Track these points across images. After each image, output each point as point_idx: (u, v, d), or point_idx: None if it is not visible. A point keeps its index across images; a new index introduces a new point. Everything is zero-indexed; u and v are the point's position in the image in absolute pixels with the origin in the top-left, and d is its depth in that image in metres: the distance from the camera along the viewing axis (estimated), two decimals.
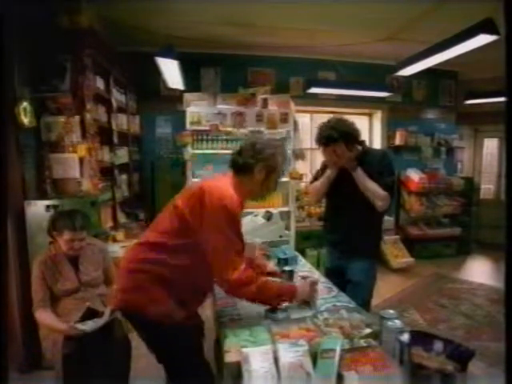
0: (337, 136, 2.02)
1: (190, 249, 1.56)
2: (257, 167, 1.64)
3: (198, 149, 4.20)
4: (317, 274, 2.31)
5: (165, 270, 1.54)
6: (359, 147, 2.19)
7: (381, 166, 2.12)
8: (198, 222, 1.53)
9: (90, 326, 1.96)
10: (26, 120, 2.62)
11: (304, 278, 2.02)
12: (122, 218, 3.95)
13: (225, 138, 4.26)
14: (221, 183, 1.63)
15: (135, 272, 1.58)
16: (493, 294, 4.19)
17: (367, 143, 2.37)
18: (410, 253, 5.33)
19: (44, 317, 2.09)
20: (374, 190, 2.04)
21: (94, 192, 3.01)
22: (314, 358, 1.15)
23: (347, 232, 2.23)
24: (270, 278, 1.81)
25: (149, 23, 3.96)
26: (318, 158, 5.88)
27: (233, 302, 1.87)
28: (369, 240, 2.22)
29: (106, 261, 2.38)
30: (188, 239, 1.55)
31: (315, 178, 2.38)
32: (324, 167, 2.33)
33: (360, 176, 2.07)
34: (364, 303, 1.90)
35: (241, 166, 1.67)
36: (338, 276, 2.26)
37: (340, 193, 2.25)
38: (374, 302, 2.32)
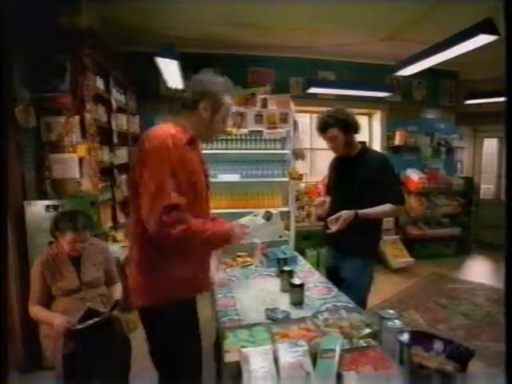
0: (331, 122, 2.14)
1: None
2: (201, 104, 1.57)
3: None
4: (316, 274, 2.31)
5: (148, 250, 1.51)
6: (359, 144, 2.26)
7: (384, 173, 2.14)
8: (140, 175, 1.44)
9: (86, 323, 1.96)
10: (25, 120, 2.62)
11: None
12: (121, 218, 3.95)
13: (224, 138, 4.27)
14: (162, 125, 1.55)
15: (130, 260, 1.61)
16: (492, 293, 4.19)
17: (367, 143, 2.39)
18: (410, 253, 5.33)
19: (37, 312, 2.10)
20: (384, 212, 2.15)
21: (94, 192, 3.01)
22: (314, 358, 1.15)
23: (343, 230, 2.20)
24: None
25: (149, 23, 3.96)
26: (318, 157, 5.89)
27: (233, 302, 1.87)
28: (365, 239, 2.20)
29: (107, 261, 2.38)
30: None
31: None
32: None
33: (364, 215, 2.09)
34: (358, 302, 1.87)
35: (186, 102, 1.60)
36: (335, 275, 2.29)
37: (338, 191, 2.33)
38: (374, 301, 2.33)
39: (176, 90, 4.39)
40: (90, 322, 1.96)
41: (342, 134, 2.14)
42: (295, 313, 1.69)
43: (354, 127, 2.17)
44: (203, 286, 1.70)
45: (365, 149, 2.26)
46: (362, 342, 1.33)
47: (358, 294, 2.07)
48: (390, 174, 2.17)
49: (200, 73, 1.67)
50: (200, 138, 1.69)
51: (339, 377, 1.08)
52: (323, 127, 2.17)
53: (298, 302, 1.81)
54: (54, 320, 2.03)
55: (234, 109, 4.26)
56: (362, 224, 2.11)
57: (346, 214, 2.06)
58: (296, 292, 1.83)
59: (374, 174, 2.11)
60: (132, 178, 1.51)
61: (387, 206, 2.10)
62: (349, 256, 2.23)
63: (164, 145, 1.41)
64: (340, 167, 2.36)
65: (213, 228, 1.50)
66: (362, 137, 2.29)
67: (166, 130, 1.49)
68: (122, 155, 4.04)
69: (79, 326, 1.93)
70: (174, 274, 1.51)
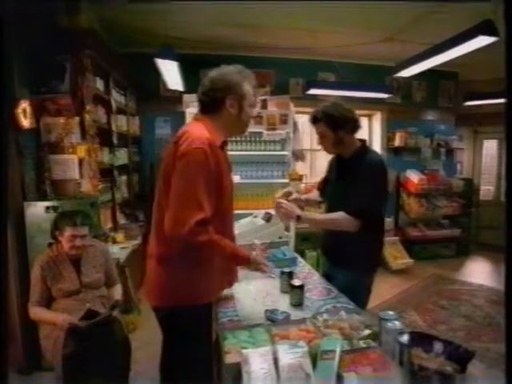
0: (319, 116, 2.00)
1: None
2: (228, 100, 1.53)
3: None
4: (316, 275, 2.30)
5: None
6: (358, 143, 2.05)
7: (365, 176, 1.91)
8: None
9: (86, 322, 1.97)
10: (25, 121, 2.62)
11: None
12: (121, 219, 3.95)
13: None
14: (195, 128, 1.51)
15: (151, 258, 1.60)
16: (492, 295, 4.19)
17: (367, 143, 2.26)
18: (410, 254, 5.33)
19: (38, 312, 2.12)
20: (333, 221, 1.96)
21: (94, 193, 3.01)
22: (314, 359, 1.15)
23: (333, 240, 2.15)
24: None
25: (148, 24, 3.96)
26: (318, 159, 5.89)
27: (232, 303, 1.87)
28: (356, 251, 1.96)
29: (107, 262, 2.39)
30: None
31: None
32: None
33: (307, 220, 1.98)
34: None
35: (210, 104, 1.56)
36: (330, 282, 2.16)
37: (329, 192, 2.22)
38: (374, 303, 2.31)
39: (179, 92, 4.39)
40: (91, 321, 1.96)
41: (329, 130, 1.97)
42: (295, 314, 1.68)
43: (344, 125, 1.95)
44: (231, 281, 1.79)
45: (362, 150, 2.03)
46: (361, 344, 1.33)
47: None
48: (368, 180, 1.89)
49: (210, 70, 1.62)
50: (232, 134, 1.71)
51: (339, 378, 1.08)
52: (312, 121, 2.06)
53: (297, 303, 1.81)
54: (55, 319, 2.03)
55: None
56: (352, 234, 1.91)
57: (289, 208, 1.93)
58: (296, 293, 1.82)
59: (355, 184, 1.91)
60: (164, 176, 1.48)
61: (338, 214, 1.90)
62: (340, 267, 2.09)
63: (203, 151, 1.38)
64: (335, 167, 2.18)
65: (232, 247, 1.56)
66: (361, 136, 2.15)
67: (204, 133, 1.46)
68: (121, 156, 4.04)
69: (80, 325, 1.94)
70: (201, 274, 1.53)
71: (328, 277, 2.21)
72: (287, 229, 4.25)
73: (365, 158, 1.99)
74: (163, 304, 1.57)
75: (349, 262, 2.01)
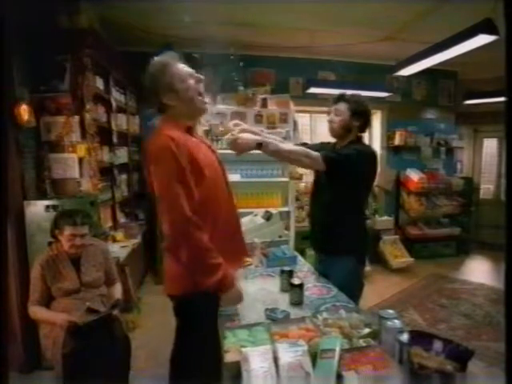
0: (347, 98, 2.09)
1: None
2: (163, 98, 1.55)
3: None
4: (316, 274, 2.30)
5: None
6: (359, 133, 2.13)
7: (350, 151, 1.97)
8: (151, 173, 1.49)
9: (86, 320, 1.97)
10: (25, 120, 2.62)
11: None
12: (121, 217, 3.95)
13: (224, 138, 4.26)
14: (157, 128, 1.58)
15: (166, 252, 1.61)
16: (492, 294, 4.19)
17: (366, 143, 2.30)
18: (410, 253, 5.33)
19: (38, 312, 2.12)
20: (296, 150, 1.92)
21: (94, 192, 3.01)
22: (314, 358, 1.15)
23: (319, 230, 2.23)
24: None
25: (148, 23, 3.96)
26: None
27: None
28: (346, 236, 2.04)
29: (107, 261, 2.39)
30: None
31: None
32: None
33: (269, 148, 1.82)
34: None
35: (157, 106, 1.60)
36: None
37: (317, 190, 2.25)
38: (374, 301, 2.31)
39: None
40: (91, 319, 1.96)
41: (348, 114, 2.06)
42: (295, 313, 1.68)
43: (361, 117, 2.07)
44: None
45: (356, 141, 2.11)
46: (361, 342, 1.33)
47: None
48: (347, 149, 2.00)
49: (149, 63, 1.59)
50: (193, 118, 1.67)
51: (339, 377, 1.08)
52: (338, 98, 2.12)
53: (297, 302, 1.81)
54: (55, 318, 2.03)
55: (234, 109, 4.26)
56: (341, 219, 2.03)
57: (245, 136, 1.80)
58: (295, 292, 1.82)
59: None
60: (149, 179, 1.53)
61: (303, 149, 1.94)
62: (331, 256, 2.14)
63: (164, 148, 1.42)
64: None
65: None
66: (368, 122, 2.18)
67: (163, 131, 1.50)
68: (121, 155, 4.04)
69: (80, 323, 1.94)
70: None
71: (320, 271, 2.26)
72: (287, 228, 4.26)
73: (354, 144, 2.07)
74: (173, 292, 1.61)
75: (336, 250, 2.08)
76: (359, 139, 2.15)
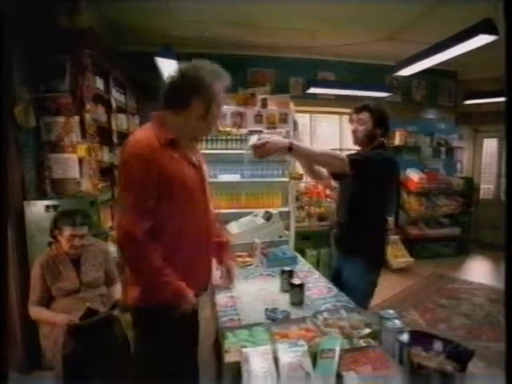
0: (370, 107, 2.12)
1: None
2: (194, 100, 1.42)
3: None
4: (317, 274, 2.31)
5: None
6: (381, 138, 2.17)
7: (374, 156, 2.03)
8: None
9: (86, 320, 1.97)
10: (25, 120, 2.62)
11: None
12: None
13: (224, 138, 4.26)
14: (142, 129, 1.47)
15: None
16: (492, 293, 4.19)
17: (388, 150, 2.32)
18: (410, 253, 5.33)
19: (38, 312, 2.12)
20: (325, 152, 1.92)
21: (94, 192, 3.01)
22: (314, 358, 1.15)
23: (342, 230, 2.27)
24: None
25: (148, 23, 3.96)
26: None
27: (232, 302, 1.87)
28: (362, 241, 2.09)
29: (107, 261, 2.39)
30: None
31: None
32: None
33: (299, 150, 1.81)
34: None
35: (175, 100, 1.46)
36: (337, 275, 2.26)
37: (342, 192, 2.30)
38: (374, 301, 2.30)
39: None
40: (91, 319, 1.96)
41: (371, 122, 2.11)
42: (295, 313, 1.68)
43: (383, 124, 2.14)
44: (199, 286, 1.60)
45: (380, 146, 2.15)
46: (361, 342, 1.33)
47: (355, 296, 1.97)
48: (372, 154, 2.04)
49: (183, 62, 1.49)
50: (194, 135, 1.59)
51: (339, 377, 1.08)
52: (361, 108, 2.15)
53: (297, 302, 1.81)
54: (55, 318, 2.04)
55: (234, 109, 4.26)
56: (359, 225, 2.10)
57: (275, 139, 1.80)
58: (296, 292, 1.82)
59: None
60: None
61: (331, 151, 1.99)
62: (347, 256, 2.19)
63: (133, 158, 1.34)
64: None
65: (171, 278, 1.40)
66: (388, 128, 2.23)
67: (140, 136, 1.40)
68: None
69: (80, 323, 1.94)
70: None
71: (335, 267, 2.30)
72: (287, 228, 4.26)
73: (378, 150, 2.11)
74: (130, 302, 1.53)
75: (354, 251, 2.13)
76: (382, 145, 2.19)
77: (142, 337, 1.54)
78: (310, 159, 1.96)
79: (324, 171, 2.30)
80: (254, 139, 1.80)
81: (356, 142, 2.24)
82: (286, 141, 1.81)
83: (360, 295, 2.00)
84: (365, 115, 2.12)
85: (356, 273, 2.11)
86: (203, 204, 1.58)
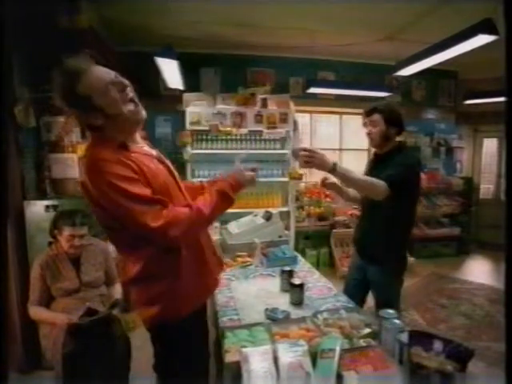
0: (380, 108, 2.14)
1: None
2: (84, 118, 1.31)
3: (197, 149, 4.20)
4: (317, 274, 2.31)
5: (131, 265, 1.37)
6: (397, 139, 2.19)
7: (397, 163, 2.03)
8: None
9: (86, 319, 1.97)
10: (25, 120, 2.62)
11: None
12: None
13: (224, 138, 4.27)
14: (87, 156, 1.30)
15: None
16: (492, 293, 4.19)
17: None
18: (410, 252, 5.29)
19: (38, 312, 2.12)
20: (363, 181, 1.93)
21: None
22: (314, 357, 1.15)
23: (363, 235, 2.27)
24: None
25: (148, 23, 3.96)
26: None
27: (232, 302, 1.87)
28: (383, 247, 2.11)
29: (107, 261, 2.39)
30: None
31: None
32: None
33: (342, 173, 1.87)
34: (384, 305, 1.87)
35: (84, 125, 1.34)
36: (359, 274, 2.27)
37: (369, 204, 2.24)
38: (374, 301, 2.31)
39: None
40: (90, 319, 1.96)
41: (383, 123, 2.12)
42: (295, 313, 1.69)
43: (396, 123, 2.15)
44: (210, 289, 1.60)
45: (399, 148, 2.18)
46: (361, 342, 1.33)
47: (383, 297, 2.10)
48: (400, 164, 2.01)
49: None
50: (129, 132, 1.39)
51: (339, 377, 1.08)
52: (370, 110, 2.17)
53: (297, 302, 1.81)
54: (55, 319, 2.04)
55: (234, 109, 4.26)
56: (381, 231, 2.10)
57: (324, 157, 1.84)
58: (296, 292, 1.82)
59: (396, 163, 2.02)
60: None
61: (369, 178, 1.96)
62: (370, 260, 2.19)
63: (97, 172, 1.22)
64: (371, 166, 2.31)
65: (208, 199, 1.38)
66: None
67: (91, 154, 1.28)
68: None
69: (79, 322, 1.94)
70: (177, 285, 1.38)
71: (357, 267, 2.30)
72: (287, 228, 4.26)
73: (402, 152, 2.15)
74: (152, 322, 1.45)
75: (375, 256, 2.14)
76: (400, 146, 2.20)
77: (172, 352, 1.45)
78: (350, 183, 1.96)
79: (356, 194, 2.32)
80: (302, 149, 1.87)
81: (372, 145, 2.25)
82: (331, 161, 1.84)
83: (386, 295, 2.10)
84: (376, 117, 2.13)
85: (378, 275, 2.14)
86: (180, 192, 1.51)
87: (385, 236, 2.09)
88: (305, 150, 1.84)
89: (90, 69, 1.28)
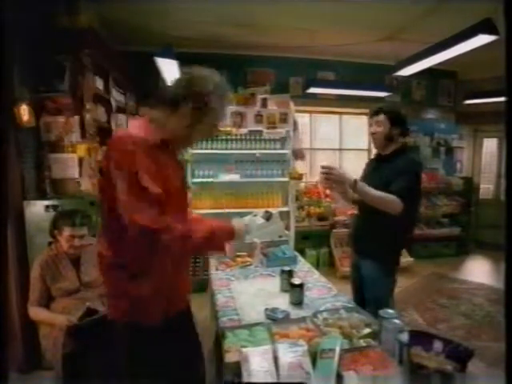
0: (385, 109, 2.19)
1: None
2: (182, 108, 1.33)
3: (197, 149, 4.20)
4: (316, 274, 2.31)
5: (114, 257, 1.36)
6: (401, 139, 2.24)
7: (402, 170, 2.08)
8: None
9: (85, 319, 1.97)
10: (25, 120, 2.62)
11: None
12: None
13: (224, 137, 4.27)
14: (129, 126, 1.39)
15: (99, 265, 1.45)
16: (492, 293, 4.19)
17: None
18: (410, 253, 5.32)
19: (38, 312, 2.13)
20: (381, 198, 1.99)
21: (94, 192, 3.00)
22: (314, 357, 1.15)
23: (358, 229, 2.32)
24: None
25: (148, 23, 3.96)
26: (318, 158, 5.89)
27: (232, 302, 1.87)
28: (377, 243, 2.13)
29: None
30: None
31: None
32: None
33: (361, 189, 1.99)
34: (375, 302, 1.95)
35: (165, 102, 1.36)
36: (356, 272, 2.31)
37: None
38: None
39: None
40: (90, 318, 1.96)
41: (388, 124, 2.16)
42: (295, 313, 1.69)
43: (400, 124, 2.19)
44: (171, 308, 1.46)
45: (402, 150, 2.23)
46: (361, 342, 1.33)
47: (374, 293, 2.12)
48: (406, 173, 2.07)
49: (192, 67, 1.40)
50: (176, 142, 1.42)
51: (339, 377, 1.08)
52: (376, 111, 2.21)
53: (297, 302, 1.81)
54: (54, 320, 2.03)
55: (234, 109, 4.26)
56: (374, 227, 2.13)
57: (343, 172, 1.97)
58: (296, 292, 1.83)
59: (394, 175, 2.06)
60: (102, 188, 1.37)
61: (387, 194, 1.99)
62: (364, 257, 2.24)
63: (123, 151, 1.25)
64: (372, 166, 2.35)
65: (208, 227, 1.37)
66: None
67: (127, 133, 1.35)
68: None
69: (79, 322, 1.94)
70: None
71: (354, 265, 2.35)
72: (287, 228, 4.26)
73: (405, 155, 2.21)
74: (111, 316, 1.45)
75: (369, 252, 2.19)
76: (404, 148, 2.27)
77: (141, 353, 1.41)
78: (367, 198, 2.01)
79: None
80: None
81: (376, 145, 2.29)
82: (352, 177, 1.96)
83: (379, 292, 2.12)
84: (381, 117, 2.17)
85: (372, 272, 2.16)
86: (183, 206, 1.53)
87: (379, 231, 2.12)
88: (324, 167, 1.95)
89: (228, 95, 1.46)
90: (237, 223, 1.53)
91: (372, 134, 2.25)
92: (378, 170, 2.21)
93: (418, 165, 2.21)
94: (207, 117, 1.36)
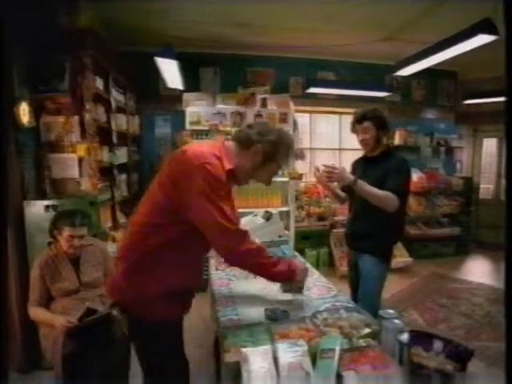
0: (369, 115, 2.26)
1: (176, 229, 1.41)
2: (255, 146, 1.50)
3: None
4: (316, 274, 2.31)
5: (146, 257, 1.43)
6: (385, 139, 2.37)
7: (395, 169, 2.18)
8: (179, 190, 1.37)
9: (85, 319, 1.97)
10: (25, 120, 2.62)
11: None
12: (121, 217, 3.95)
13: (224, 138, 4.26)
14: (206, 146, 1.49)
15: (121, 260, 1.50)
16: (492, 293, 4.19)
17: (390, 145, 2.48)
18: (409, 252, 5.32)
19: (38, 312, 2.12)
20: (379, 196, 2.09)
21: (93, 192, 3.01)
22: (314, 357, 1.15)
23: (354, 229, 2.42)
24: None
25: (148, 23, 3.96)
26: (318, 157, 5.89)
27: (232, 302, 1.87)
28: (374, 238, 2.26)
29: (107, 261, 2.39)
30: (173, 216, 1.40)
31: None
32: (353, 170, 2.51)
33: (361, 187, 2.09)
34: (367, 296, 2.15)
35: (242, 137, 1.55)
36: (354, 271, 2.44)
37: (355, 196, 2.34)
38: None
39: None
40: (89, 318, 1.96)
41: (374, 129, 2.24)
42: (295, 313, 1.68)
43: (385, 127, 2.29)
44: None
45: (388, 150, 2.35)
46: (361, 342, 1.33)
47: (367, 288, 2.28)
48: (399, 171, 2.19)
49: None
50: (240, 175, 1.56)
51: (339, 377, 1.08)
52: (360, 118, 2.28)
53: (289, 290, 1.81)
54: (54, 321, 2.03)
55: (234, 109, 4.27)
56: (369, 222, 2.24)
57: (344, 171, 2.11)
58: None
59: (387, 175, 2.16)
60: (162, 182, 1.44)
61: (385, 192, 2.09)
62: (359, 252, 2.36)
63: (214, 167, 1.37)
64: (361, 167, 2.43)
65: (280, 266, 1.58)
66: (390, 128, 2.36)
67: (215, 154, 1.43)
68: (121, 155, 4.04)
69: (79, 323, 1.94)
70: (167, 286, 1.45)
71: (351, 262, 2.50)
72: (287, 228, 4.26)
73: (393, 155, 2.33)
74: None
75: (365, 247, 2.31)
76: (389, 149, 2.38)
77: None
78: (366, 196, 2.10)
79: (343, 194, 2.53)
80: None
81: (366, 150, 2.38)
82: (352, 176, 2.10)
83: (371, 287, 2.30)
84: (367, 124, 2.25)
85: (367, 266, 2.30)
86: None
87: (374, 227, 2.23)
88: (325, 166, 2.09)
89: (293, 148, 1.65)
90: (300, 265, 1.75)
91: (361, 141, 2.33)
92: (369, 171, 2.29)
93: (408, 163, 2.31)
94: (271, 163, 1.56)
